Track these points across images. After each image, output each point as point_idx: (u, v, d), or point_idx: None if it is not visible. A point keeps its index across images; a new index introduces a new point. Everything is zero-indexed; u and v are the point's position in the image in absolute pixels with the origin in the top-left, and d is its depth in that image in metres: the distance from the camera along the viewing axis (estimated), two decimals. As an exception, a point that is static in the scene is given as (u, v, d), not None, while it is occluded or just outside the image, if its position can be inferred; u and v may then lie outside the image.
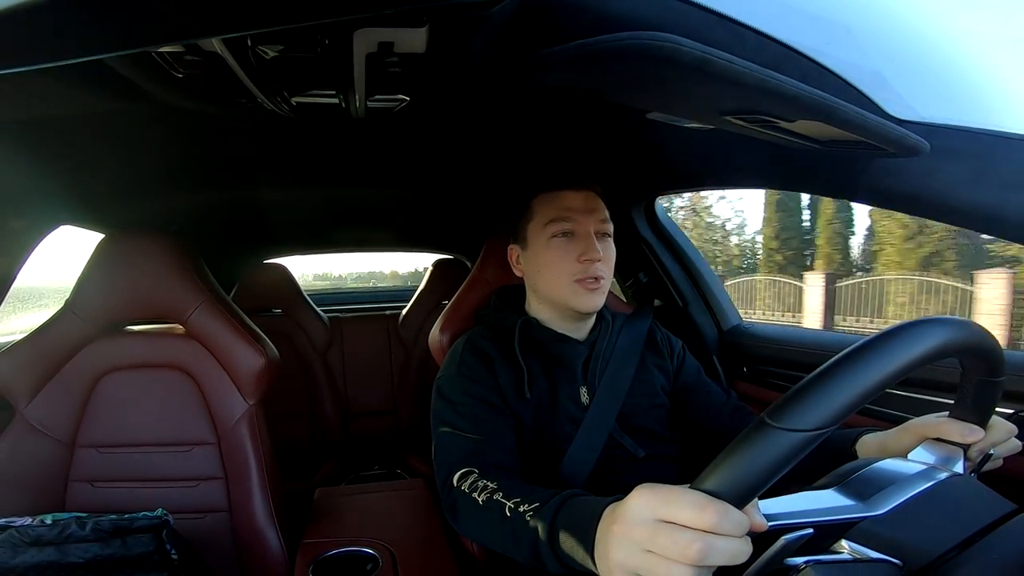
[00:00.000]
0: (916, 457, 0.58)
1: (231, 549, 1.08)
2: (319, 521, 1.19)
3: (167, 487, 1.08)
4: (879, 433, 0.70)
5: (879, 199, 0.65)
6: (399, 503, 1.30)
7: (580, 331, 0.97)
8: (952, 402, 0.58)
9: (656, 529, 0.41)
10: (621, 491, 0.48)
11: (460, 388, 0.88)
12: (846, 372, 0.40)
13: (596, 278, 0.89)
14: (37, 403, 1.05)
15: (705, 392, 1.00)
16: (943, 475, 0.50)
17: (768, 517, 0.43)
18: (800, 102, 0.46)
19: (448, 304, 1.19)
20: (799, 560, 0.43)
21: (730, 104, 0.53)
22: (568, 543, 0.54)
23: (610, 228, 0.94)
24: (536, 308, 0.98)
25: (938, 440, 0.59)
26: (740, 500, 0.40)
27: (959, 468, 0.56)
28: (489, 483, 0.71)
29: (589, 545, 0.50)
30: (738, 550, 0.40)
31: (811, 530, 0.43)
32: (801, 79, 0.46)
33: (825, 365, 0.41)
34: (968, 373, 0.54)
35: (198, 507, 1.08)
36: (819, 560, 0.43)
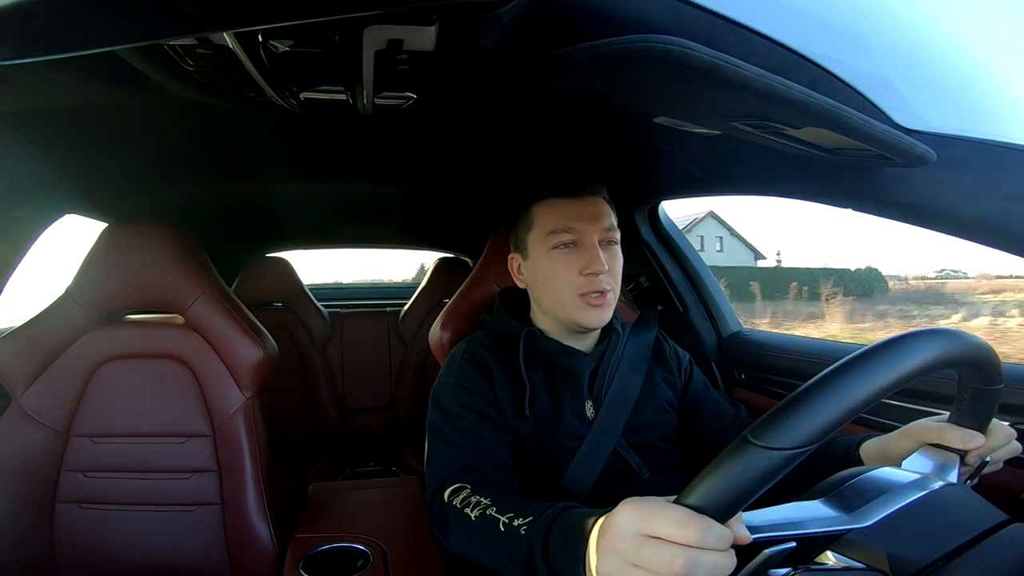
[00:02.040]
0: (911, 464, 0.58)
1: (221, 542, 1.07)
2: (311, 516, 1.19)
3: (159, 478, 1.08)
4: (879, 438, 0.69)
5: (884, 210, 0.65)
6: (392, 500, 1.29)
7: (586, 343, 0.94)
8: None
9: (641, 543, 0.42)
10: None
11: (456, 399, 0.86)
12: (828, 391, 0.40)
13: (602, 292, 0.85)
14: (33, 391, 1.05)
15: (714, 407, 0.98)
16: (935, 485, 0.50)
17: (752, 529, 0.43)
18: (808, 109, 0.46)
19: (449, 302, 1.19)
20: (782, 572, 0.43)
21: (738, 109, 0.53)
22: (562, 556, 0.54)
23: (616, 235, 0.90)
24: (540, 319, 0.95)
25: (936, 445, 0.58)
26: (723, 515, 0.41)
27: (953, 476, 0.56)
28: (482, 499, 0.70)
29: (582, 558, 0.50)
30: (722, 564, 0.40)
31: (794, 544, 0.43)
32: (810, 86, 0.46)
33: (808, 384, 0.41)
34: (965, 382, 0.54)
35: (189, 499, 1.08)
36: (808, 568, 0.43)
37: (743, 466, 0.40)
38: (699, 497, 0.41)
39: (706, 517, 0.40)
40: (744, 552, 0.42)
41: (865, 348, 0.42)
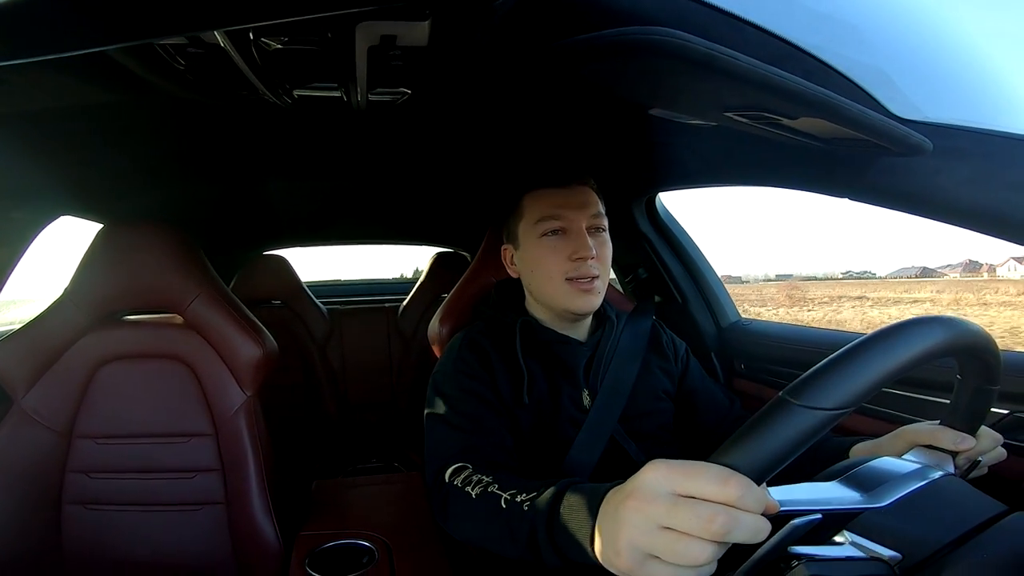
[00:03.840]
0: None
1: (227, 541, 1.08)
2: (316, 513, 1.19)
3: (164, 479, 1.08)
4: (871, 440, 0.70)
5: (882, 199, 0.65)
6: (395, 496, 1.30)
7: (581, 331, 0.95)
8: (948, 402, 0.59)
9: (675, 503, 0.40)
10: None
11: (456, 384, 0.86)
12: (868, 355, 0.41)
13: (590, 278, 0.87)
14: (34, 393, 1.05)
15: (710, 396, 0.99)
16: (937, 474, 0.51)
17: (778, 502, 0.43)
18: (803, 99, 0.46)
19: (448, 296, 1.19)
20: (801, 549, 0.43)
21: (733, 100, 0.53)
22: (568, 530, 0.52)
23: (604, 222, 0.92)
24: (535, 308, 0.96)
25: (928, 447, 0.59)
26: (759, 476, 0.40)
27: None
28: (484, 477, 0.68)
29: (591, 530, 0.49)
30: (759, 527, 0.39)
31: (819, 516, 0.43)
32: (805, 77, 0.45)
33: (848, 347, 0.42)
34: (966, 379, 0.54)
35: (194, 499, 1.08)
36: (812, 557, 0.43)
37: (782, 425, 0.39)
38: (736, 456, 0.40)
39: (745, 476, 0.39)
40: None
41: (902, 321, 0.43)
